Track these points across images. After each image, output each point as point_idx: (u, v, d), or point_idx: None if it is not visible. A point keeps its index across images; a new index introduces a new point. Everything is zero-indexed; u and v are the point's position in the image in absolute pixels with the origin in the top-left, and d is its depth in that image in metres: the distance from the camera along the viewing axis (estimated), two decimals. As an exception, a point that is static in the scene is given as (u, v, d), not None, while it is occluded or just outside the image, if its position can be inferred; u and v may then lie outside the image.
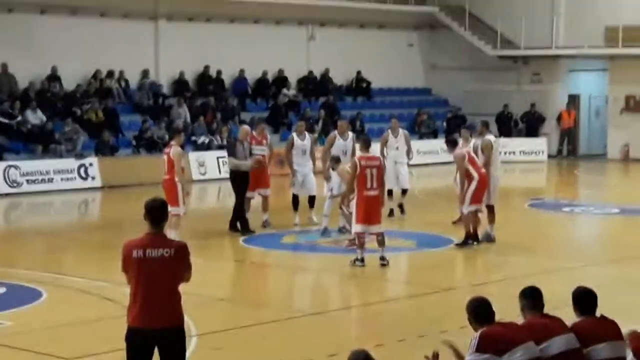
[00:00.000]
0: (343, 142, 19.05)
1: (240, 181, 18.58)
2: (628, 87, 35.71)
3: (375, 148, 18.44)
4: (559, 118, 36.87)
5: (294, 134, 20.10)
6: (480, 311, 7.38)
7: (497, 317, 7.43)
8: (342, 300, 13.99)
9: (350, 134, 19.59)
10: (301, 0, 35.35)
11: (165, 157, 16.99)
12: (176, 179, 16.67)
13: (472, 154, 17.47)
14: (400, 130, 21.31)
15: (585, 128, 38.19)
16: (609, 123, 36.75)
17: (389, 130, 21.26)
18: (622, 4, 34.26)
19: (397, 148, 20.96)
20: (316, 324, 12.41)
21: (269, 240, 17.99)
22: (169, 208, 16.19)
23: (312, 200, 19.75)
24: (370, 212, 15.32)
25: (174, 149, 16.80)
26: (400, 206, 20.98)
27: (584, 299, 7.74)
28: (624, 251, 17.47)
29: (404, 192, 21.17)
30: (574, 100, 37.75)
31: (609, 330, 7.62)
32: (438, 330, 11.27)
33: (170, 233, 16.16)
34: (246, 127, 19.95)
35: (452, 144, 17.79)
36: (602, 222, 21.93)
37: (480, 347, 7.12)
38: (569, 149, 37.29)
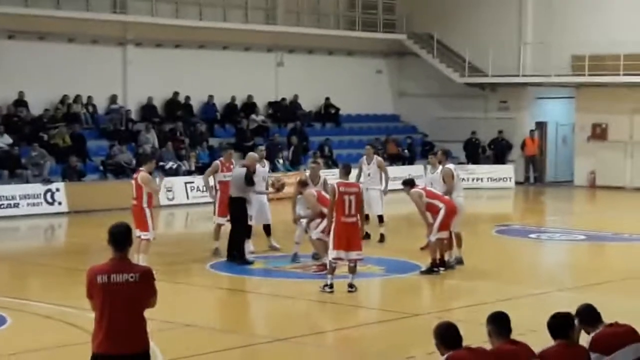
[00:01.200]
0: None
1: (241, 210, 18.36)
2: (594, 115, 36.02)
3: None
4: (523, 145, 37.11)
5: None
6: (447, 335, 7.39)
7: (465, 343, 7.42)
8: (310, 326, 13.92)
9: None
10: (270, 27, 35.48)
11: (133, 182, 16.95)
12: (144, 204, 16.62)
13: (429, 188, 17.60)
14: (375, 158, 21.40)
15: (553, 155, 38.45)
16: (576, 150, 37.01)
17: (364, 157, 21.36)
18: (589, 33, 34.59)
19: (369, 174, 21.07)
20: (283, 350, 12.35)
21: (237, 266, 17.91)
22: (139, 233, 16.29)
23: (267, 228, 19.75)
24: (349, 239, 15.34)
25: (141, 174, 16.77)
26: (381, 235, 20.88)
27: (560, 323, 7.78)
28: (590, 277, 17.55)
29: (380, 219, 21.10)
30: (541, 127, 38.04)
31: (577, 356, 7.71)
32: (405, 356, 11.24)
33: (140, 257, 16.11)
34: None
35: (409, 185, 17.59)
36: (568, 249, 22.03)
37: None
38: (535, 176, 37.51)
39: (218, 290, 16.69)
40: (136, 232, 16.07)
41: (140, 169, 17.22)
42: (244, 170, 18.38)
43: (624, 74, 33.95)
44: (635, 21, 33.93)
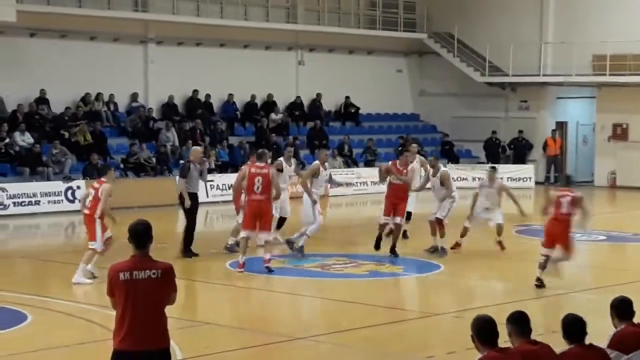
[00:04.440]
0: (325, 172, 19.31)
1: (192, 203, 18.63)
2: (615, 115, 35.89)
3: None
4: (545, 145, 37.00)
5: (282, 160, 20.15)
6: (484, 330, 7.25)
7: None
8: (328, 324, 13.92)
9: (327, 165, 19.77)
10: (290, 26, 35.51)
11: (93, 191, 16.40)
12: (96, 215, 16.23)
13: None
14: (417, 157, 21.11)
15: (573, 155, 38.31)
16: (596, 150, 36.89)
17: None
18: (610, 32, 34.45)
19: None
20: (302, 349, 12.37)
21: (255, 264, 17.95)
22: (89, 243, 16.10)
23: (282, 221, 20.17)
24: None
25: (104, 186, 16.35)
26: (404, 232, 20.86)
27: (573, 327, 7.75)
28: (610, 278, 17.50)
29: (408, 216, 20.99)
30: (561, 127, 37.92)
31: (596, 358, 7.67)
32: (424, 355, 11.24)
33: (81, 266, 16.03)
34: (198, 148, 20.31)
35: None
36: (588, 249, 21.93)
37: None
38: (556, 176, 37.38)
39: (237, 289, 16.70)
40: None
41: (103, 179, 16.65)
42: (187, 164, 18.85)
43: (646, 74, 33.80)
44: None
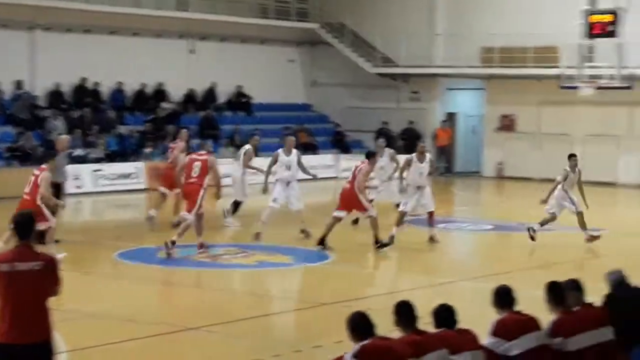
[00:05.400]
0: (287, 158, 19.79)
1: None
2: (503, 106, 36.54)
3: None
4: (435, 136, 37.46)
5: (280, 150, 20.15)
6: (359, 326, 7.37)
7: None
8: (218, 315, 13.82)
9: (295, 151, 20.09)
10: (182, 14, 35.15)
11: (32, 178, 16.36)
12: (37, 201, 16.11)
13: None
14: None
15: (462, 146, 38.88)
16: (485, 141, 37.50)
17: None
18: (499, 25, 35.01)
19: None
20: (192, 339, 12.26)
21: (144, 255, 17.74)
22: (42, 226, 15.85)
23: (237, 205, 21.72)
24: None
25: (43, 174, 16.29)
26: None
27: (444, 316, 7.98)
28: (496, 267, 17.80)
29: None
30: (451, 118, 38.45)
31: (468, 340, 7.93)
32: (312, 345, 11.25)
33: (49, 247, 15.78)
34: (65, 137, 20.51)
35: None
36: (476, 238, 22.31)
37: None
38: (445, 166, 37.88)
39: (125, 280, 16.47)
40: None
41: (44, 166, 16.63)
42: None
43: (533, 66, 34.46)
44: (543, 14, 34.43)
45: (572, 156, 20.37)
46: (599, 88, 30.18)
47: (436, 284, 15.88)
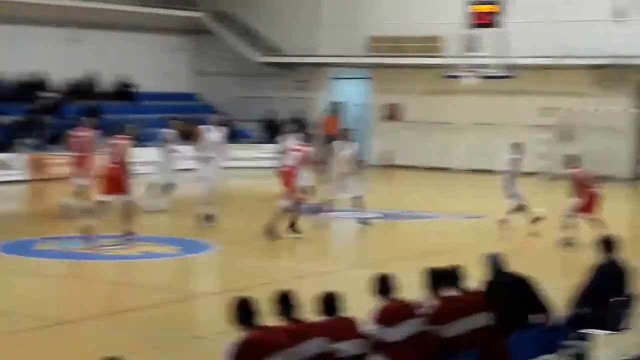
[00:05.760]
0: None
1: None
2: (389, 95, 36.77)
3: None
4: (322, 125, 37.46)
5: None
6: (243, 311, 7.34)
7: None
8: (99, 307, 13.52)
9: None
10: (63, 2, 34.36)
11: None
12: None
13: None
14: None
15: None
16: (371, 130, 37.69)
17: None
18: (384, 15, 35.21)
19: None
20: (72, 332, 11.95)
21: (21, 247, 17.27)
22: None
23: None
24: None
25: None
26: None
27: (328, 302, 7.97)
28: (383, 254, 17.87)
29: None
30: (338, 107, 38.51)
31: (349, 328, 7.95)
32: (192, 335, 11.08)
33: None
34: None
35: None
36: (362, 227, 22.33)
37: (243, 355, 7.10)
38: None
39: (2, 271, 16.00)
40: None
41: None
42: None
43: (418, 56, 34.74)
44: (428, 4, 34.74)
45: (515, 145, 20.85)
46: (482, 77, 30.56)
47: (321, 273, 15.83)
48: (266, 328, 7.35)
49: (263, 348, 7.17)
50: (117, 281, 14.87)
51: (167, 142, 22.72)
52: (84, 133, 20.47)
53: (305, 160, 19.30)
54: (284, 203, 18.81)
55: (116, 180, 17.80)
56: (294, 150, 19.33)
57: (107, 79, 36.29)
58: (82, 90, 35.13)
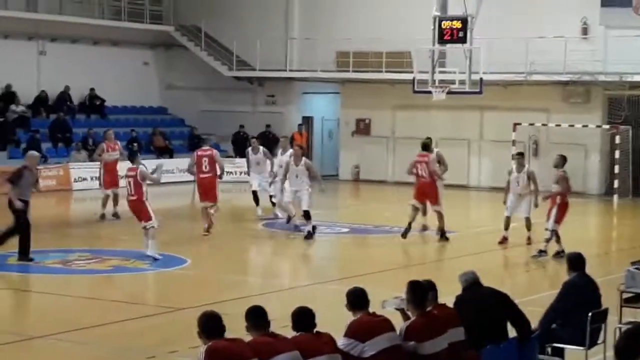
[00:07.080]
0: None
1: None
2: (358, 110, 36.89)
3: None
4: (292, 140, 37.49)
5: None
6: (208, 325, 7.32)
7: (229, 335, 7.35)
8: (68, 322, 13.40)
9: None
10: (30, 15, 34.21)
11: None
12: None
13: None
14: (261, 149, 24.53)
15: (319, 149, 39.09)
16: (341, 145, 37.78)
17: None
18: (353, 30, 35.33)
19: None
20: (39, 348, 11.88)
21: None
22: None
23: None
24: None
25: None
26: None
27: (302, 318, 7.94)
28: (352, 269, 17.87)
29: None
30: (307, 122, 38.60)
31: (324, 344, 7.88)
32: (167, 350, 11.05)
33: None
34: (35, 153, 18.91)
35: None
36: (332, 242, 22.39)
37: None
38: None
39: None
40: None
41: None
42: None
43: (386, 71, 34.89)
44: (397, 20, 34.89)
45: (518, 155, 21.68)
46: (451, 93, 30.69)
47: (293, 287, 15.84)
48: (231, 339, 7.34)
49: (226, 358, 7.13)
50: (88, 295, 14.79)
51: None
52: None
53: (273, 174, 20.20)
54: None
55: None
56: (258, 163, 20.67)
57: (76, 93, 36.14)
58: (50, 104, 34.96)
